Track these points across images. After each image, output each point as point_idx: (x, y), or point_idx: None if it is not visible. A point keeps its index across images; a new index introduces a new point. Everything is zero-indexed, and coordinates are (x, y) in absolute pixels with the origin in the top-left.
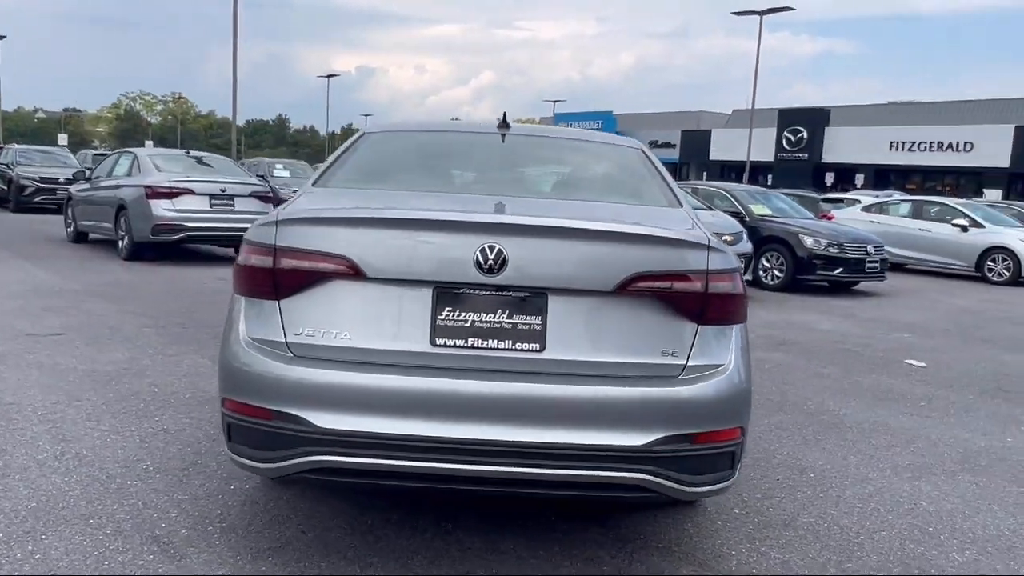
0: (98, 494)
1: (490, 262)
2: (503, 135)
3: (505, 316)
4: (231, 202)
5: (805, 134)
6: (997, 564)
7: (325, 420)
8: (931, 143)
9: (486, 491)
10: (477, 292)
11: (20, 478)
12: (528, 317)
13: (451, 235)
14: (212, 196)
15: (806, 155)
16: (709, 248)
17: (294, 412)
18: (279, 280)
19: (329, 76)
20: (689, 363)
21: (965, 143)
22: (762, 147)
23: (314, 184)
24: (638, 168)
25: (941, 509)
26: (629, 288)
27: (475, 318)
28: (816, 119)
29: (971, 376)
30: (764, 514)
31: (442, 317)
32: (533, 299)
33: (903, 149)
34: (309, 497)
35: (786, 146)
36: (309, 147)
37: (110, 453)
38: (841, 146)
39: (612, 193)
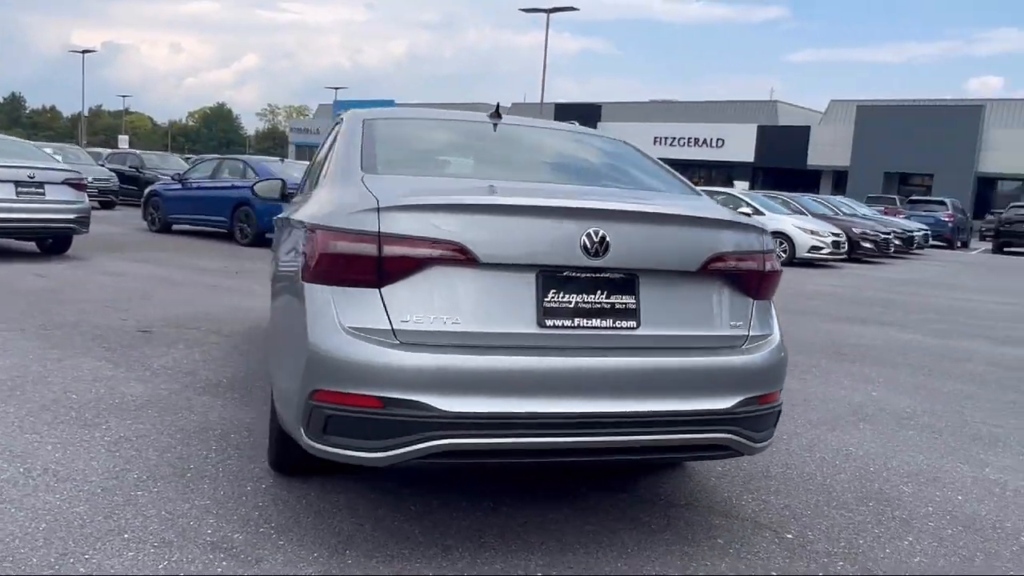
0: (110, 508)
1: (596, 245)
2: (494, 124)
3: (604, 296)
4: (41, 190)
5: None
6: (936, 493)
7: (449, 404)
8: (689, 139)
9: (590, 461)
10: (580, 275)
11: (1, 499)
12: (624, 297)
13: (558, 221)
14: (18, 183)
15: None
16: (765, 232)
17: (414, 398)
18: (384, 267)
19: (84, 52)
20: (751, 334)
21: (717, 139)
22: None
23: (367, 172)
24: (643, 160)
25: (868, 452)
26: (709, 268)
27: (578, 299)
28: (589, 114)
29: (813, 344)
30: (743, 469)
31: (548, 299)
32: (628, 280)
33: (665, 144)
34: (330, 489)
35: None
36: (51, 129)
37: (83, 465)
38: None
39: (640, 182)
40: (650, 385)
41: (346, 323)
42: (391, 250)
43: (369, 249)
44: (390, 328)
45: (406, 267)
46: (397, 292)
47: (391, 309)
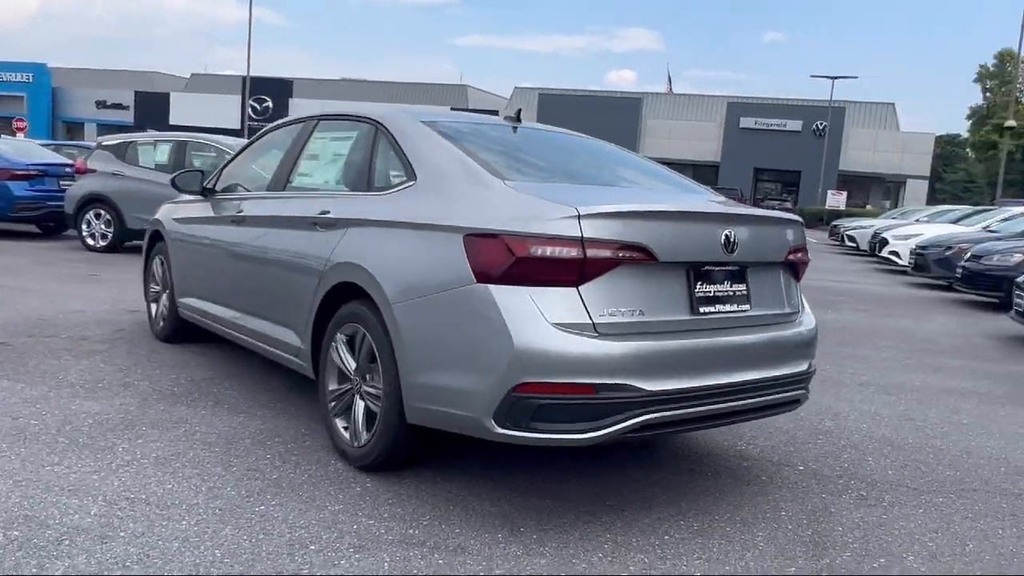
0: (256, 523)
1: (732, 243)
2: (513, 128)
3: (729, 285)
4: None
5: (271, 103)
6: (942, 441)
7: (649, 384)
8: None
9: (729, 423)
10: (716, 268)
11: (127, 539)
12: (740, 285)
13: (709, 224)
14: None
15: None
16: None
17: (623, 382)
18: (585, 269)
19: None
20: (799, 310)
21: None
22: (228, 114)
23: (501, 178)
24: (649, 162)
25: (878, 413)
26: (788, 258)
27: (715, 289)
28: (280, 90)
29: None
30: (772, 427)
31: (697, 290)
32: (742, 271)
33: None
34: (437, 481)
35: (253, 115)
36: None
37: (161, 489)
38: None
39: (677, 181)
40: (766, 355)
41: (552, 320)
42: (593, 253)
43: (573, 252)
44: (591, 322)
45: (603, 267)
46: (593, 290)
47: (589, 305)
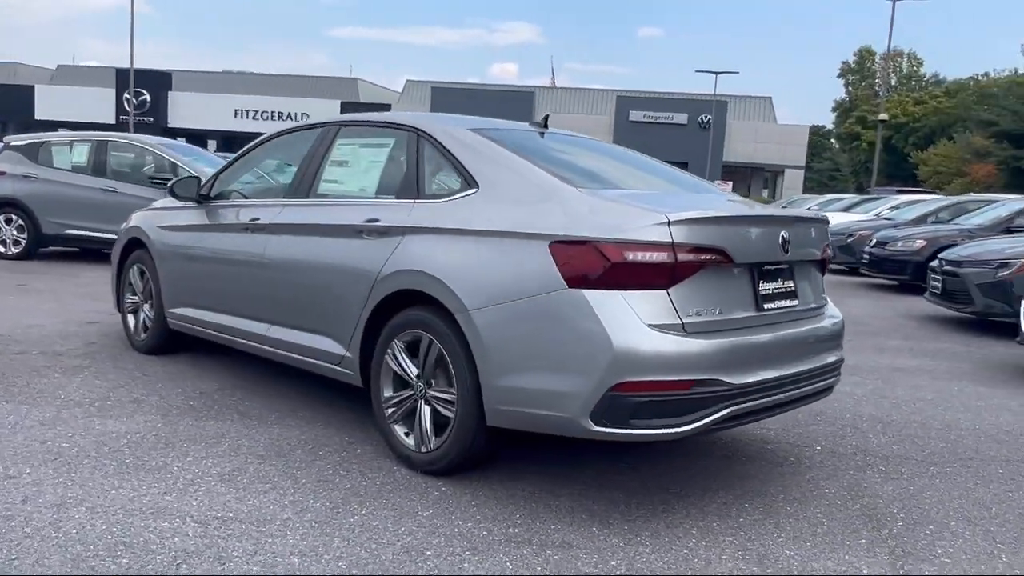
0: (352, 541)
1: (788, 244)
2: (541, 133)
3: (781, 282)
4: None
5: (148, 97)
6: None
7: (734, 378)
8: (273, 112)
9: (787, 410)
10: (772, 267)
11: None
12: (789, 281)
13: (770, 227)
14: None
15: (151, 118)
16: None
17: (714, 377)
18: (675, 272)
19: None
20: (826, 302)
21: (302, 114)
22: (100, 108)
23: (573, 185)
24: (660, 162)
25: (854, 393)
26: (822, 255)
27: (773, 286)
28: (158, 82)
29: None
30: (812, 411)
31: (760, 288)
32: (790, 268)
33: (248, 117)
34: (504, 481)
35: (128, 108)
36: None
37: (244, 505)
38: (188, 111)
39: (702, 183)
40: (813, 346)
41: (647, 321)
42: (682, 257)
43: (664, 257)
44: (680, 322)
45: (690, 270)
46: (681, 291)
47: (678, 306)
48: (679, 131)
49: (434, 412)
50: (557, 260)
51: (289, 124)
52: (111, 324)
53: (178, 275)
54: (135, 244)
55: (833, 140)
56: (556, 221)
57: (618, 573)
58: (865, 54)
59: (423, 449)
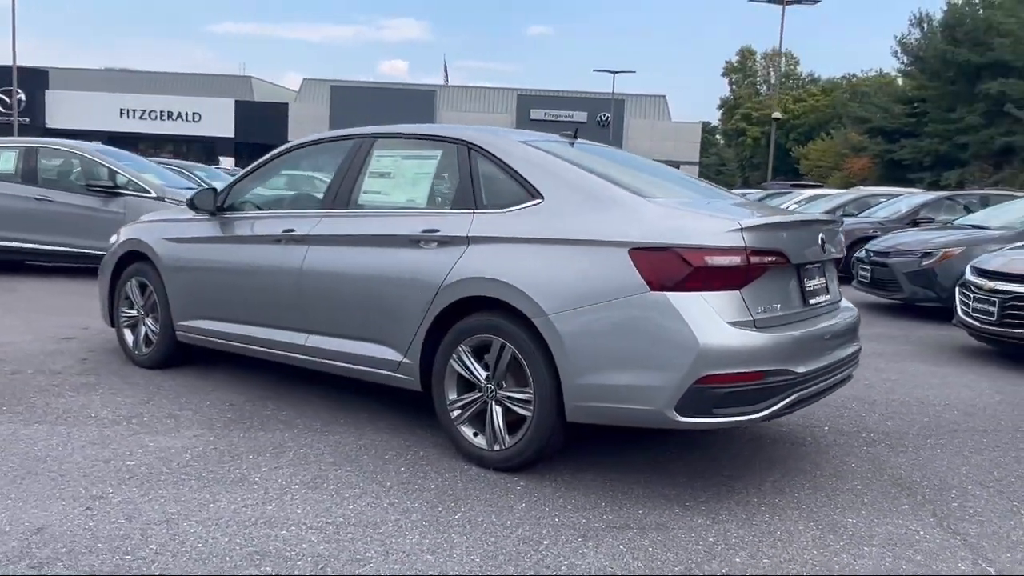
0: (470, 537)
1: (824, 244)
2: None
3: (818, 279)
4: None
5: (23, 96)
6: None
7: (798, 367)
8: (162, 112)
9: (823, 398)
10: (812, 266)
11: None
12: (822, 278)
13: (811, 229)
14: None
15: (27, 119)
16: None
17: (783, 367)
18: (747, 273)
19: None
20: (841, 296)
21: (193, 113)
22: None
23: (640, 195)
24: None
25: (883, 378)
26: (839, 254)
27: (813, 283)
28: (33, 80)
29: None
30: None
31: (805, 285)
32: (822, 266)
33: (135, 117)
34: (573, 472)
35: (4, 108)
36: None
37: (340, 510)
38: (68, 111)
39: (705, 186)
40: (844, 336)
41: (726, 319)
42: (754, 260)
43: (739, 260)
44: (752, 319)
45: (759, 272)
46: (751, 291)
47: (749, 304)
48: (579, 129)
49: (507, 412)
50: (638, 266)
51: (311, 136)
52: (91, 339)
53: (192, 288)
54: (132, 257)
55: (719, 136)
56: (633, 229)
57: (719, 548)
58: (747, 54)
59: (496, 447)
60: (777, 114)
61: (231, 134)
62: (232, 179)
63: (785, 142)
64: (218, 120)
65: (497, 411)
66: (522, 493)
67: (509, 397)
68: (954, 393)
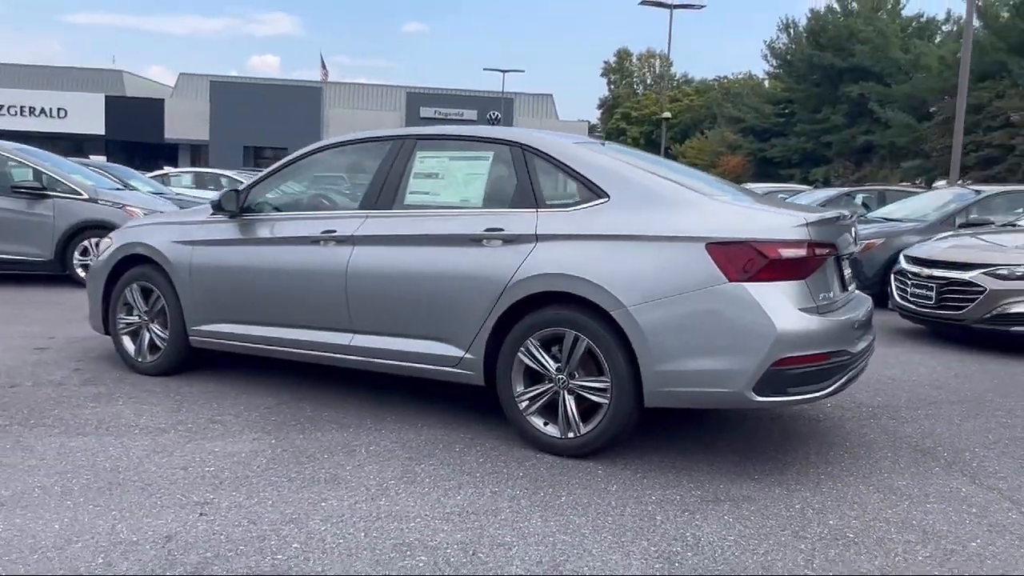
0: (587, 517)
1: (856, 238)
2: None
3: (847, 269)
4: None
5: None
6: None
7: (852, 348)
8: (24, 108)
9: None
10: (845, 256)
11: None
12: (849, 269)
13: (847, 225)
14: None
15: None
16: None
17: (842, 348)
18: (811, 264)
19: None
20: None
21: (59, 109)
22: None
23: (705, 195)
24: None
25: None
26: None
27: (847, 272)
28: None
29: None
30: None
31: (843, 273)
32: (842, 258)
33: None
34: (627, 456)
35: None
36: None
37: (458, 504)
38: None
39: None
40: (869, 321)
41: (797, 306)
42: (818, 252)
43: (804, 253)
44: (815, 305)
45: (819, 262)
46: (812, 280)
47: (812, 292)
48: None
49: (578, 400)
50: (715, 259)
51: (338, 138)
52: (66, 348)
53: (213, 291)
54: (131, 262)
55: (600, 135)
56: (710, 225)
57: (809, 513)
58: (624, 55)
59: (570, 435)
60: (667, 114)
61: (101, 131)
62: (250, 181)
63: (662, 141)
64: (86, 116)
65: (570, 400)
66: (606, 477)
67: (582, 386)
68: (914, 371)
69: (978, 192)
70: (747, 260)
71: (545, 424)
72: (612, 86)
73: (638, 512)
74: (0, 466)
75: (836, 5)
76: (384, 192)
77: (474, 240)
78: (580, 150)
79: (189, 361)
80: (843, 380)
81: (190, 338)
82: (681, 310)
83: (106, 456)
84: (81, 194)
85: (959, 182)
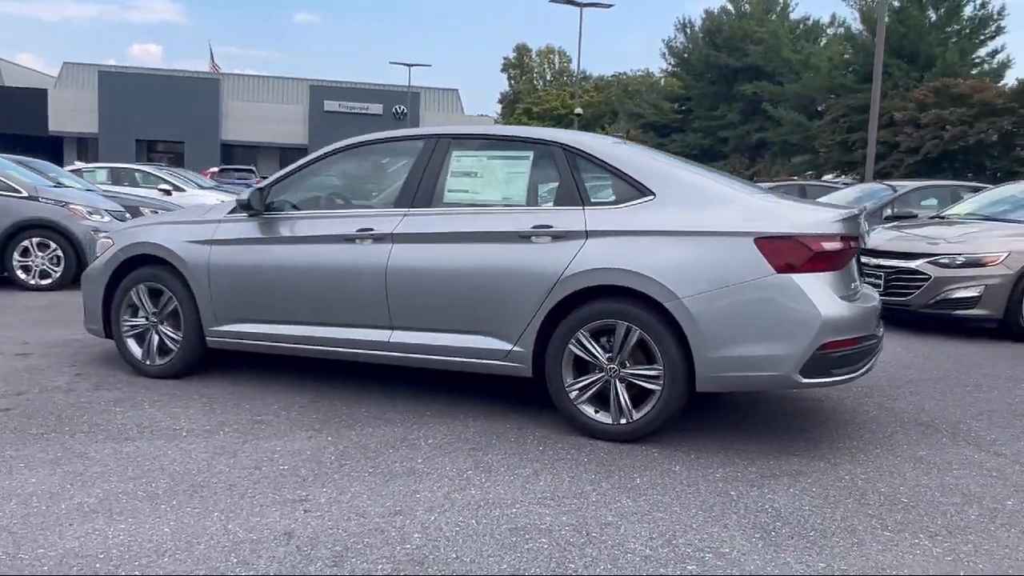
0: (705, 497)
1: (868, 232)
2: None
3: (858, 260)
4: None
5: None
6: None
7: (877, 332)
8: None
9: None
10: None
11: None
12: (859, 264)
13: (862, 220)
14: None
15: None
16: None
17: (872, 333)
18: (846, 256)
19: None
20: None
21: None
22: None
23: (745, 193)
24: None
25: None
26: None
27: (861, 263)
28: None
29: None
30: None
31: (861, 264)
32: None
33: None
34: (669, 442)
35: None
36: None
37: (581, 492)
38: None
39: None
40: (879, 309)
41: (837, 295)
42: (852, 244)
43: (842, 245)
44: (849, 293)
45: (852, 254)
46: (845, 270)
47: (844, 282)
48: (375, 121)
49: (630, 387)
50: (763, 252)
51: (363, 137)
52: (50, 352)
53: (235, 291)
54: (137, 262)
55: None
56: (757, 221)
57: (859, 483)
58: (523, 50)
59: (623, 421)
60: (579, 110)
61: None
62: (270, 179)
63: None
64: None
65: (621, 388)
66: (664, 459)
67: (634, 374)
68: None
69: (894, 188)
70: (794, 253)
71: (596, 412)
72: (512, 81)
73: (712, 489)
74: (67, 474)
75: (730, 6)
76: (421, 190)
77: (522, 237)
78: (620, 150)
79: (202, 363)
80: (872, 362)
81: (207, 339)
82: (732, 300)
83: (170, 460)
84: (20, 192)
85: (877, 181)
